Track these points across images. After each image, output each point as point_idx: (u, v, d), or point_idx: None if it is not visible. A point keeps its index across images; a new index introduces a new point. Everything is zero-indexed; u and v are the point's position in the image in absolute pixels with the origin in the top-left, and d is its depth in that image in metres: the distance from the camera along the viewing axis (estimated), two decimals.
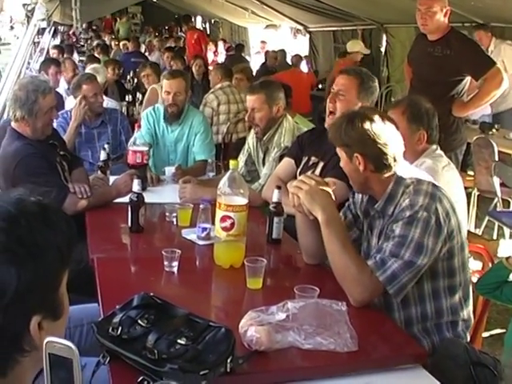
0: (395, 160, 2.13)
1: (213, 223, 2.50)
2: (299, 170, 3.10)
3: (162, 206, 3.03)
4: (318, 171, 2.94)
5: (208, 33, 18.11)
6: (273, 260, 2.59)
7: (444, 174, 2.68)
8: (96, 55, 9.48)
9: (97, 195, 3.11)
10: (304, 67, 10.76)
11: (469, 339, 2.25)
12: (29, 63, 7.57)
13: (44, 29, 8.07)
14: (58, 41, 13.87)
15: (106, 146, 3.86)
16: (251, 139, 3.71)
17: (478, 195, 5.13)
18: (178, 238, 2.69)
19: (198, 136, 4.13)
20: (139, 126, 4.12)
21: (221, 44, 14.92)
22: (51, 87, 3.19)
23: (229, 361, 1.58)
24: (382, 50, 9.87)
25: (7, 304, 0.97)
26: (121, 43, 13.09)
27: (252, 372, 1.66)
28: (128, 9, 19.99)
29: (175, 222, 2.86)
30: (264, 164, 3.58)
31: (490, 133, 5.79)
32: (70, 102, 4.80)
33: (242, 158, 3.72)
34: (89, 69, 5.82)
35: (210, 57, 13.84)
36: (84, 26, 17.40)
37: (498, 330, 3.41)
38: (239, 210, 2.36)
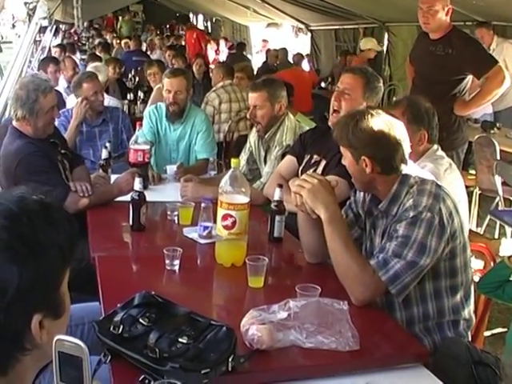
0: (403, 161, 2.12)
1: (214, 222, 2.50)
2: (301, 167, 3.09)
3: (164, 204, 3.03)
4: (320, 169, 2.94)
5: (209, 31, 18.12)
6: (274, 259, 2.59)
7: (446, 177, 2.66)
8: (97, 53, 9.47)
9: (98, 194, 3.11)
10: (305, 66, 10.76)
11: (470, 338, 2.25)
12: (30, 62, 7.57)
13: (46, 27, 8.07)
14: (59, 39, 13.88)
15: (107, 144, 3.86)
16: (253, 137, 3.71)
17: (480, 194, 5.12)
18: (180, 237, 2.69)
19: (200, 135, 4.13)
20: (141, 125, 4.12)
21: (222, 42, 14.92)
22: (52, 86, 3.19)
23: (230, 360, 1.58)
24: (384, 48, 9.86)
25: (8, 302, 0.97)
26: (122, 41, 13.10)
27: (253, 371, 1.65)
28: (129, 7, 20.00)
29: (177, 221, 2.86)
30: (265, 162, 3.57)
31: (492, 131, 5.78)
32: (71, 101, 4.80)
33: (244, 156, 3.72)
34: (90, 67, 5.81)
35: (212, 55, 13.84)
36: (85, 24, 17.42)
37: (500, 329, 3.41)
38: (241, 208, 2.35)
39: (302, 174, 2.82)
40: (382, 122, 2.10)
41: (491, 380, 1.90)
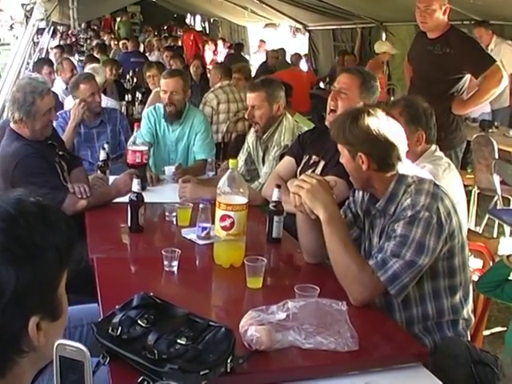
0: (399, 159, 2.13)
1: (213, 222, 2.49)
2: (300, 168, 3.09)
3: (162, 205, 3.03)
4: (318, 170, 2.94)
5: (207, 32, 18.13)
6: (273, 259, 2.59)
7: (445, 178, 2.66)
8: (95, 55, 9.47)
9: (96, 195, 3.10)
10: (304, 66, 10.76)
11: (469, 338, 2.25)
12: (28, 63, 7.57)
13: (43, 29, 8.07)
14: (57, 41, 13.88)
15: (105, 145, 3.86)
16: (251, 138, 3.71)
17: (478, 193, 5.13)
18: (178, 238, 2.69)
19: (199, 135, 4.13)
20: (139, 126, 4.11)
21: (220, 43, 14.92)
22: (49, 88, 3.18)
23: (229, 360, 1.58)
24: None
25: (5, 304, 0.97)
26: (120, 43, 13.09)
27: (252, 372, 1.65)
28: (127, 8, 19.99)
29: (175, 222, 2.85)
30: (264, 163, 3.57)
31: (490, 131, 5.79)
32: (69, 102, 4.80)
33: (242, 157, 3.72)
34: (88, 68, 5.81)
35: (209, 56, 13.85)
36: (83, 25, 17.43)
37: (499, 328, 3.41)
38: (239, 209, 2.35)
39: (300, 174, 2.82)
40: (378, 119, 2.11)
41: (490, 379, 1.90)
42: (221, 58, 13.19)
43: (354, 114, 2.16)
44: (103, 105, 4.56)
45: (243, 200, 2.37)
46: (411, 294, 2.10)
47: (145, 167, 3.53)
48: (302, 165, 3.10)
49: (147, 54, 12.01)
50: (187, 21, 20.90)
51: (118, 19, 19.53)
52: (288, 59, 10.78)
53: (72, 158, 3.48)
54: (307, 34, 12.31)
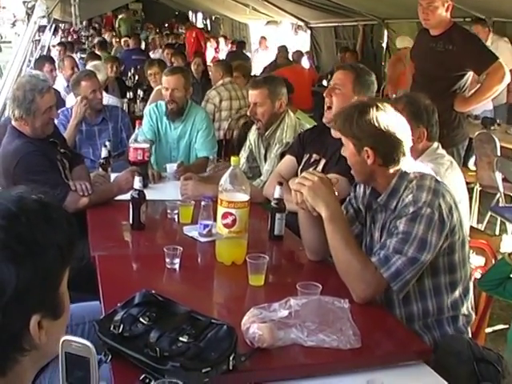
0: (404, 155, 2.12)
1: (214, 220, 2.49)
2: (300, 167, 3.08)
3: (164, 203, 3.02)
4: (319, 169, 2.93)
5: (209, 29, 18.12)
6: (275, 256, 2.59)
7: (447, 177, 2.65)
8: (97, 52, 9.47)
9: (98, 192, 3.10)
10: (305, 63, 10.75)
11: (471, 335, 2.24)
12: (30, 61, 7.56)
13: (45, 26, 8.07)
14: (58, 39, 13.88)
15: (107, 143, 3.86)
16: (252, 135, 3.70)
17: (480, 190, 5.12)
18: (180, 235, 2.68)
19: (201, 133, 4.12)
20: (140, 123, 4.11)
21: (222, 41, 14.91)
22: (50, 86, 3.17)
23: (231, 358, 1.57)
24: (384, 45, 9.84)
25: (6, 302, 0.96)
26: (122, 40, 13.09)
27: (254, 369, 1.65)
28: (128, 6, 19.98)
29: (177, 219, 2.85)
30: (265, 160, 3.57)
31: (492, 128, 5.78)
32: (71, 100, 4.80)
33: (244, 154, 3.71)
34: (89, 66, 5.81)
35: (211, 54, 13.84)
36: (84, 23, 17.42)
37: (501, 326, 3.41)
38: (241, 206, 2.35)
39: (301, 173, 2.82)
40: (386, 114, 2.10)
41: (493, 377, 1.90)
42: (222, 55, 13.18)
43: (361, 107, 2.14)
44: (105, 102, 4.56)
45: (245, 197, 2.36)
46: (411, 290, 2.10)
47: (146, 165, 3.53)
48: (302, 164, 3.10)
49: (150, 52, 12.01)
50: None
51: (120, 17, 19.53)
52: (290, 57, 10.75)
53: (74, 156, 3.47)
54: (309, 32, 12.30)
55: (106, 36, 16.00)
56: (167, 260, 2.26)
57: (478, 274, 2.43)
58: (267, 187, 3.15)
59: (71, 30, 17.38)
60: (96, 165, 3.82)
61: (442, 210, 2.02)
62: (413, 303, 2.13)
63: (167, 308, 1.75)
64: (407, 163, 2.14)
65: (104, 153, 3.72)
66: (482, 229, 4.80)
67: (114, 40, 14.50)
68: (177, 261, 2.26)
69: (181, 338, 1.60)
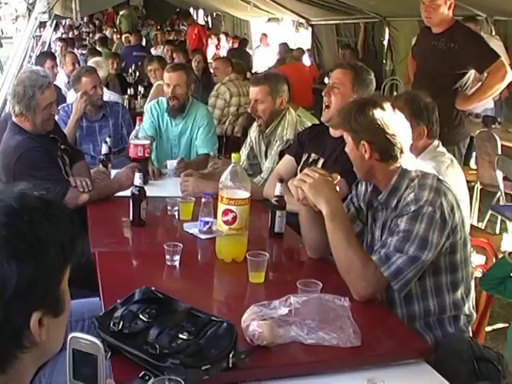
0: (402, 152, 2.12)
1: (215, 217, 2.49)
2: (299, 167, 3.08)
3: (164, 199, 3.01)
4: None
5: (210, 26, 18.09)
6: (275, 254, 2.58)
7: (448, 175, 2.65)
8: (97, 48, 9.46)
9: (98, 189, 3.10)
10: (306, 60, 10.73)
11: (471, 334, 2.24)
12: (31, 57, 7.55)
13: (46, 22, 8.05)
14: (59, 35, 13.87)
15: (107, 139, 3.85)
16: (253, 132, 3.70)
17: (481, 189, 5.11)
18: (180, 232, 2.68)
19: (201, 129, 4.12)
20: (141, 120, 4.10)
21: (223, 38, 14.88)
22: (50, 82, 3.15)
23: (231, 356, 1.57)
24: (385, 43, 9.83)
25: (7, 299, 0.96)
26: (123, 36, 13.06)
27: (254, 367, 1.64)
28: (130, 2, 19.93)
29: (177, 216, 2.85)
30: (266, 157, 3.56)
31: (493, 126, 5.77)
32: (72, 96, 4.79)
33: (244, 151, 3.71)
34: (91, 62, 5.80)
35: (212, 50, 13.82)
36: (86, 19, 17.39)
37: (501, 325, 3.41)
38: (241, 203, 2.34)
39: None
40: (384, 110, 2.10)
41: (493, 376, 1.89)
42: (223, 52, 13.17)
43: (360, 103, 2.17)
44: (105, 98, 4.56)
45: (245, 194, 2.36)
46: (413, 290, 2.09)
47: (147, 161, 3.53)
48: (301, 163, 3.09)
49: (152, 49, 11.98)
50: None
51: (121, 13, 19.49)
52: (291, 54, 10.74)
53: (74, 152, 3.47)
54: (310, 29, 12.28)
55: (107, 32, 15.98)
56: (167, 257, 2.26)
57: (478, 273, 2.42)
58: (267, 188, 3.13)
59: (72, 25, 17.34)
60: (96, 161, 3.81)
61: (444, 208, 2.01)
62: (414, 302, 2.12)
63: (167, 305, 1.75)
64: (407, 161, 2.14)
65: (104, 149, 3.71)
66: (483, 227, 4.80)
67: (115, 36, 14.47)
68: (177, 258, 2.26)
69: (180, 335, 1.59)
